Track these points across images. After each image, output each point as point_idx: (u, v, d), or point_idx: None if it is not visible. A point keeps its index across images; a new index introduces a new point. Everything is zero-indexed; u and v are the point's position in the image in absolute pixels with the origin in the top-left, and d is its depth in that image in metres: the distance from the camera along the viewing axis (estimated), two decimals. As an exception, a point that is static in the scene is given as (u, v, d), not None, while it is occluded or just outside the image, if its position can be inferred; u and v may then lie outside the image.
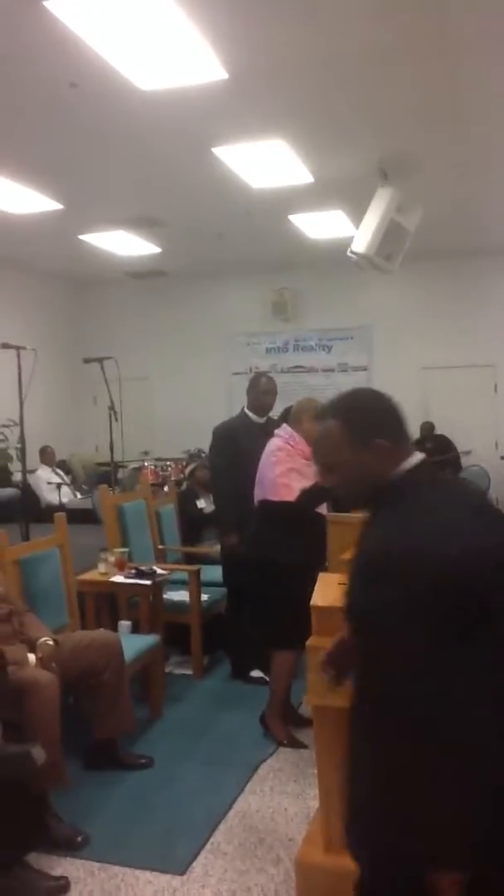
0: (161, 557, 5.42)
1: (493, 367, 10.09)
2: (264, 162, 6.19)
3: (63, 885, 2.76)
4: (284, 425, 4.03)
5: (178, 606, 4.88)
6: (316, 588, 2.70)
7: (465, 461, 9.97)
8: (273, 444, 3.93)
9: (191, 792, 3.46)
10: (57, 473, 8.70)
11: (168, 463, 8.42)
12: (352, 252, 6.33)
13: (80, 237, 8.54)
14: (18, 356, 5.19)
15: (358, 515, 4.16)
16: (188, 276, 10.85)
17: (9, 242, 8.61)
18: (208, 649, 5.01)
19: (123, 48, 4.30)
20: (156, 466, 8.28)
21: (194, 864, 2.93)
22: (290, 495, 3.77)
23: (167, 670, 4.88)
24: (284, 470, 3.81)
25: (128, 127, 5.38)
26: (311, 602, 2.65)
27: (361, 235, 6.25)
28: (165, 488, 7.09)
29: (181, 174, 6.50)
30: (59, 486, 8.02)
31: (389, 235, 6.25)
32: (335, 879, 2.61)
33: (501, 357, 10.02)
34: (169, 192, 7.07)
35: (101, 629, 4.01)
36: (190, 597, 4.81)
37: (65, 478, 8.64)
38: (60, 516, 4.31)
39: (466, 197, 7.46)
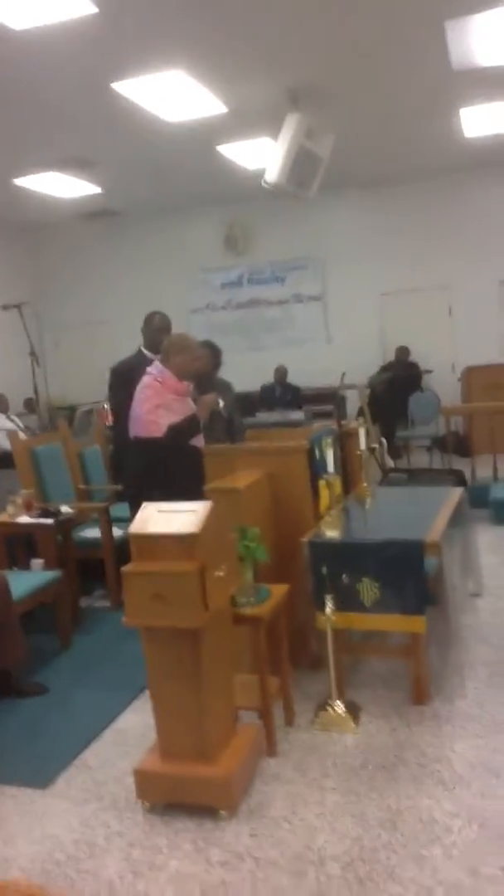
0: (84, 497, 5.58)
1: (447, 289, 10.05)
2: (171, 95, 6.12)
3: None
4: (156, 362, 4.12)
5: (92, 543, 5.04)
6: (136, 516, 2.82)
7: (426, 380, 10.04)
8: (143, 381, 4.02)
9: (76, 714, 3.66)
10: (11, 420, 8.80)
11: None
12: (265, 182, 6.31)
13: (16, 182, 8.49)
14: None
15: (232, 447, 4.29)
16: (139, 215, 10.79)
17: None
18: (127, 582, 5.17)
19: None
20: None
21: (59, 778, 3.14)
22: (158, 431, 3.88)
23: (86, 604, 5.08)
24: (151, 406, 3.91)
25: (11, 67, 5.33)
26: (130, 529, 2.78)
27: (272, 164, 6.22)
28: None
29: (88, 112, 6.45)
30: (14, 432, 8.11)
31: (300, 162, 6.21)
32: (169, 783, 2.82)
33: (455, 279, 9.97)
34: (85, 132, 7.02)
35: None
36: (102, 533, 4.96)
37: (19, 423, 8.74)
38: (-39, 463, 4.45)
39: (389, 119, 7.35)
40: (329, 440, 3.82)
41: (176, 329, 10.29)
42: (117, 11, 4.65)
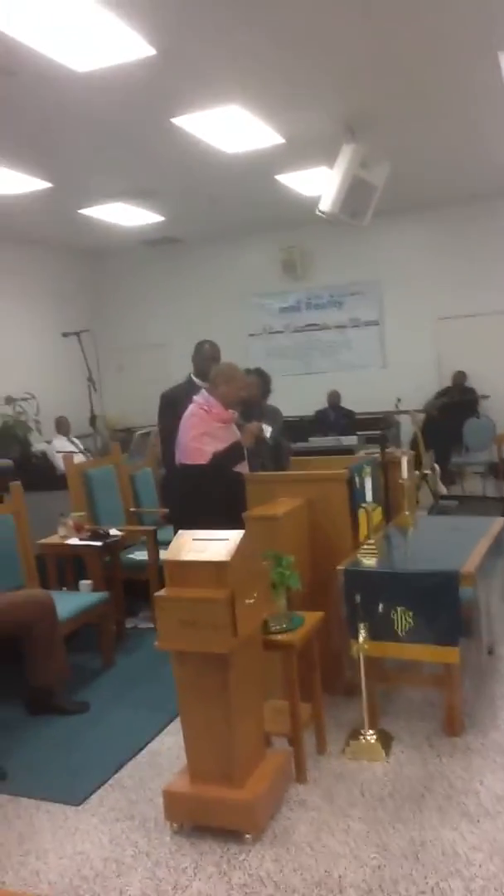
0: (134, 519, 5.71)
1: (504, 314, 9.96)
2: (229, 128, 6.27)
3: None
4: (203, 391, 4.23)
5: (139, 565, 5.16)
6: (171, 544, 2.92)
7: (483, 406, 9.97)
8: (189, 409, 4.14)
9: (114, 733, 3.76)
10: (72, 442, 9.06)
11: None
12: (319, 211, 6.40)
13: (81, 212, 8.77)
14: None
15: (274, 474, 4.36)
16: (200, 241, 11.01)
17: (16, 222, 8.97)
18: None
19: (49, 37, 4.48)
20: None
21: (93, 796, 3.24)
22: (202, 458, 3.99)
23: (132, 624, 5.20)
24: (197, 434, 4.02)
25: (76, 106, 5.56)
26: (165, 556, 2.87)
27: (326, 193, 6.31)
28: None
29: (150, 146, 6.64)
30: (70, 454, 8.35)
31: (354, 192, 6.29)
32: (196, 805, 2.89)
33: (514, 303, 9.88)
34: (148, 164, 7.23)
35: (38, 589, 4.32)
36: (148, 555, 5.08)
37: (79, 446, 8.99)
38: (16, 486, 4.63)
39: (445, 145, 7.38)
40: (368, 469, 3.86)
41: (234, 352, 10.45)
42: (174, 53, 4.82)
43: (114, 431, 10.63)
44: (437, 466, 8.14)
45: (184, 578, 2.82)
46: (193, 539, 2.91)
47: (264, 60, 5.16)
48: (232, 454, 4.11)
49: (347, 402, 10.14)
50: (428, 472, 7.94)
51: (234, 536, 2.86)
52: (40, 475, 8.50)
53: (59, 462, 8.69)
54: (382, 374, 10.59)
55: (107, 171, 7.38)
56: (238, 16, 4.49)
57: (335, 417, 10.01)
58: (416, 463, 8.12)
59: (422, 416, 8.93)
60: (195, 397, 4.23)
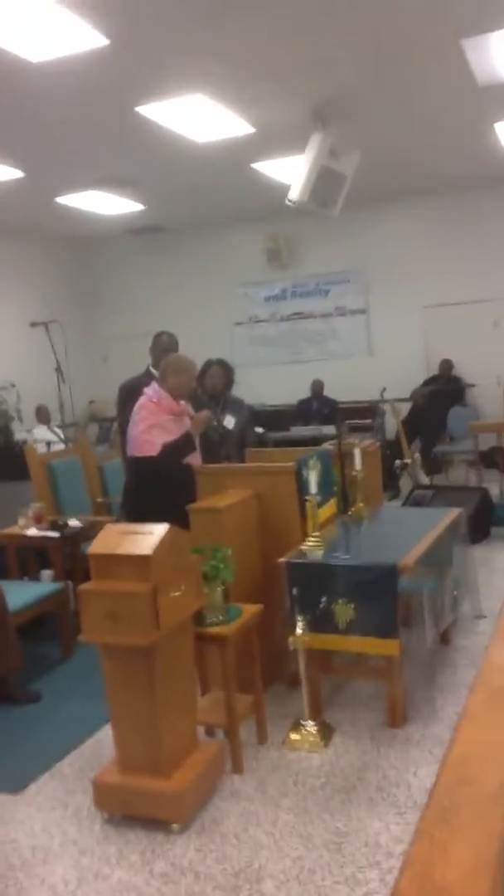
0: (102, 510, 5.73)
1: (491, 301, 9.91)
2: (195, 117, 6.24)
3: None
4: (153, 383, 4.23)
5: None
6: (97, 537, 2.93)
7: (470, 394, 9.96)
8: (139, 402, 4.15)
9: (62, 723, 3.80)
10: (53, 432, 9.07)
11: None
12: (289, 200, 6.38)
13: (58, 200, 8.75)
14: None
15: (223, 466, 4.37)
16: (184, 230, 10.97)
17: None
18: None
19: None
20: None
21: (32, 785, 3.27)
22: (153, 450, 4.00)
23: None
24: (146, 427, 4.03)
25: (33, 97, 5.53)
26: (89, 550, 2.89)
27: (295, 183, 6.28)
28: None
29: (117, 135, 6.62)
30: (48, 444, 8.38)
31: (323, 181, 6.26)
32: (124, 795, 2.92)
33: (500, 291, 9.83)
34: (118, 153, 7.20)
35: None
36: (110, 546, 5.09)
37: (60, 435, 9.00)
38: (-26, 477, 4.66)
39: (422, 134, 7.33)
40: (313, 462, 3.86)
41: (219, 341, 10.45)
42: (127, 42, 4.79)
43: (101, 421, 10.64)
44: (418, 456, 8.15)
45: (107, 572, 2.84)
46: (120, 532, 2.92)
47: (224, 48, 5.12)
48: (182, 445, 4.11)
49: (333, 391, 10.12)
50: (408, 461, 7.95)
51: (158, 530, 2.86)
52: (22, 464, 8.53)
53: (39, 451, 8.72)
54: (369, 362, 10.57)
55: (77, 160, 7.35)
56: (191, 3, 4.46)
57: (318, 407, 10.00)
58: (398, 453, 8.15)
59: (404, 407, 8.91)
60: (145, 389, 4.23)
